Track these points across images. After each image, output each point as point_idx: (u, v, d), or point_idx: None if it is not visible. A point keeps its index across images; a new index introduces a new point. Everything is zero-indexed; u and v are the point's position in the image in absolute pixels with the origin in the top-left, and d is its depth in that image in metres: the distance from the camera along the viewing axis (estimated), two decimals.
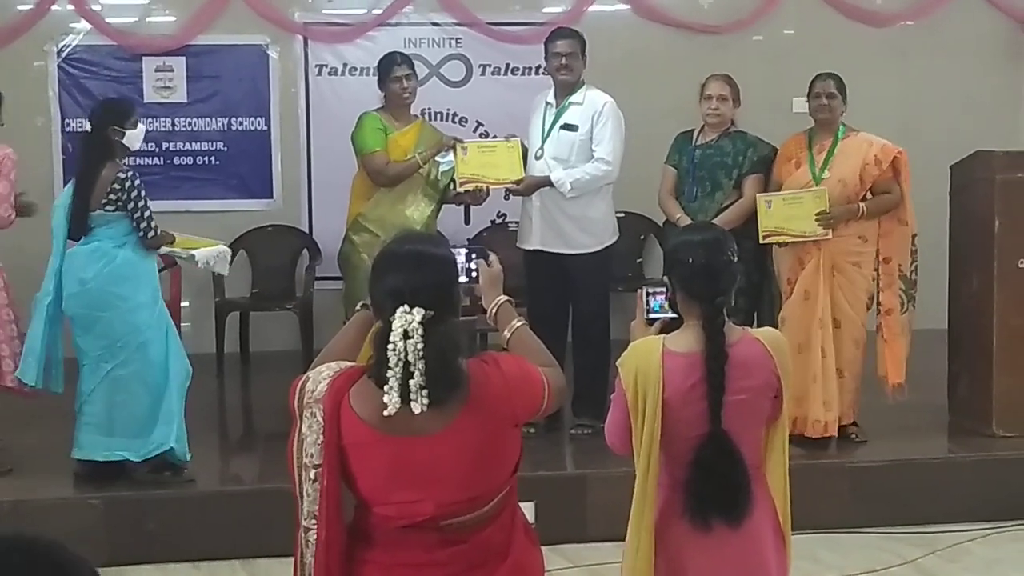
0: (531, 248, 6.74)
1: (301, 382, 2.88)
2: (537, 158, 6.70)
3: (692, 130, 6.74)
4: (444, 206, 6.88)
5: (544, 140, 6.69)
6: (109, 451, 5.87)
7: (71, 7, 8.66)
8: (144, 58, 8.76)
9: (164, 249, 6.08)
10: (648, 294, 3.58)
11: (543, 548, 3.09)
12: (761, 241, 6.38)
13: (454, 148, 6.60)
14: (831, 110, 6.38)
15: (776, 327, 4.33)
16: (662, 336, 3.46)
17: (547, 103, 6.76)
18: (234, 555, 5.76)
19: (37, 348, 5.91)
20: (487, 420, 2.80)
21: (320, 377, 2.86)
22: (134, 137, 5.91)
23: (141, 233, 5.79)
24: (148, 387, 5.81)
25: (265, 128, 8.95)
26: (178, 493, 5.87)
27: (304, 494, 2.83)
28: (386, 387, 2.69)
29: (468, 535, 2.84)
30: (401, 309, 2.71)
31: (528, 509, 2.89)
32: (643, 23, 9.00)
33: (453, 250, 3.04)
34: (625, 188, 6.91)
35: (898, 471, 6.26)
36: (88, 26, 8.70)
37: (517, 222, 8.48)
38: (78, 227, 5.83)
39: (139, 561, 5.73)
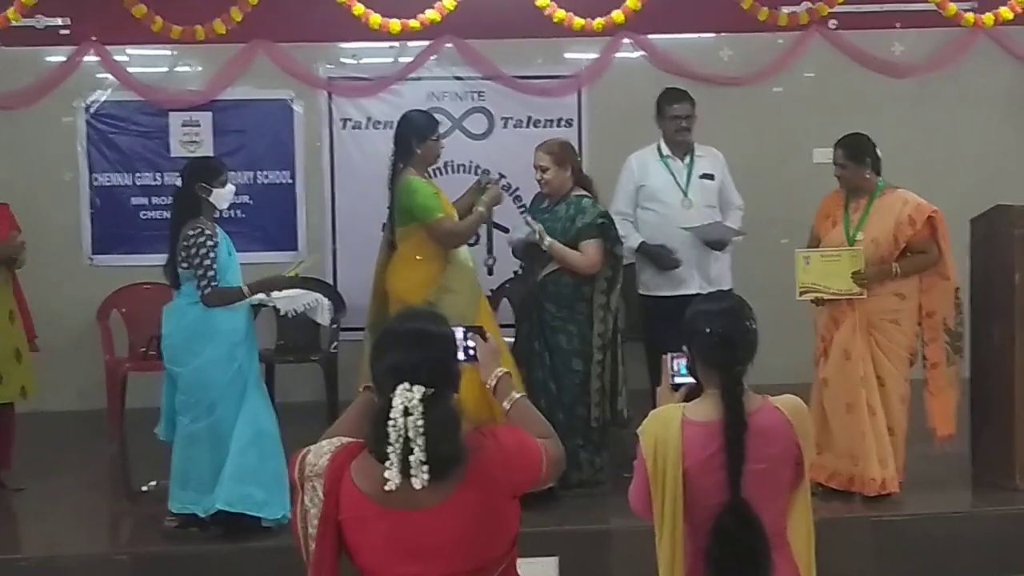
0: (687, 293, 6.63)
1: (302, 455, 2.95)
2: (686, 208, 7.03)
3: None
4: None
5: (685, 191, 7.06)
6: (182, 504, 5.93)
7: (97, 58, 8.79)
8: (171, 113, 8.89)
9: (256, 298, 6.04)
10: (673, 359, 3.61)
11: None
12: (798, 297, 6.42)
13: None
14: (846, 180, 6.43)
15: None
16: (682, 405, 3.49)
17: (665, 156, 7.06)
18: None
19: (165, 402, 6.01)
20: (486, 492, 2.85)
21: (321, 451, 2.92)
22: (221, 196, 5.94)
23: (198, 290, 5.79)
24: (214, 445, 5.83)
25: (290, 181, 9.06)
26: (203, 549, 5.89)
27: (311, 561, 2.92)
28: (387, 463, 2.76)
29: None
30: (402, 387, 2.79)
31: (551, 564, 2.92)
32: (664, 76, 9.01)
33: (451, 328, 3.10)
34: None
35: (921, 524, 6.24)
36: (116, 82, 8.84)
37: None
38: (173, 281, 5.91)
39: None
